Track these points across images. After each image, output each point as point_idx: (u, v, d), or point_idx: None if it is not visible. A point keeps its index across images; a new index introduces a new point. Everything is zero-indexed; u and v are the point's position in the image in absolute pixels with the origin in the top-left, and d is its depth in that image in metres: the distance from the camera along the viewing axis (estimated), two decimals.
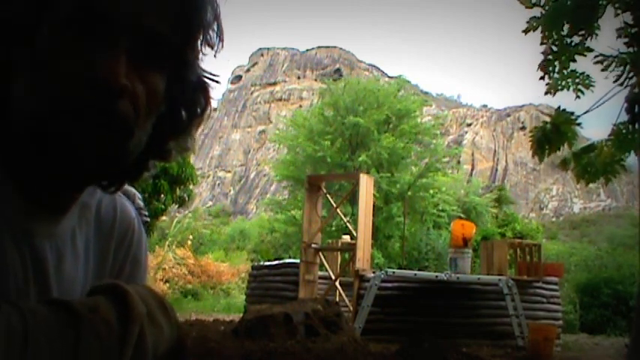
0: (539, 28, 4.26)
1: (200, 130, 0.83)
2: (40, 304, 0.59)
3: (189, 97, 0.75)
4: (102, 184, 0.73)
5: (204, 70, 0.77)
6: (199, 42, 0.73)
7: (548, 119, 4.46)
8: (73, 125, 0.62)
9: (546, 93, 4.33)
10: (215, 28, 0.74)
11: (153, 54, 0.67)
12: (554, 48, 4.21)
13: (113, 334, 0.59)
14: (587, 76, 4.24)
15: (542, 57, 4.35)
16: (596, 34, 4.18)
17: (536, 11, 4.30)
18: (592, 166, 4.42)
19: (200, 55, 0.75)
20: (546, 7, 4.22)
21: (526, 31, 4.30)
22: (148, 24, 0.66)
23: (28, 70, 0.64)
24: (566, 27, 4.22)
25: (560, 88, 4.24)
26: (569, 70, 4.25)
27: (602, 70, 4.20)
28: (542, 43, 4.28)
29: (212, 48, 0.75)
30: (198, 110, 0.77)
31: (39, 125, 0.62)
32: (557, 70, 4.27)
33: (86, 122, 0.62)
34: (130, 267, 0.84)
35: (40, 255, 0.68)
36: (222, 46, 0.76)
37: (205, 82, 0.77)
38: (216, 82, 0.78)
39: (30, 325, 0.55)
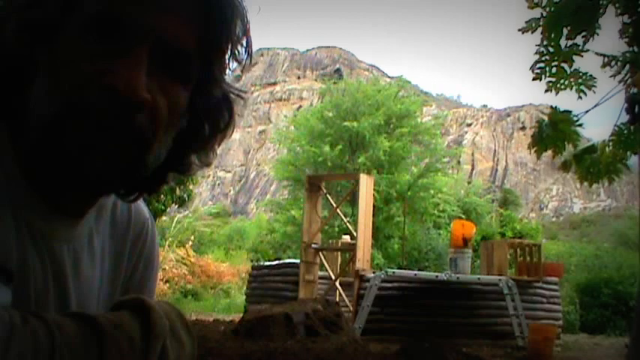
0: (538, 30, 4.25)
1: None
2: (66, 317, 0.59)
3: (213, 112, 0.73)
4: (120, 192, 0.73)
5: (231, 86, 0.75)
6: (227, 57, 0.71)
7: (547, 119, 4.46)
8: (88, 133, 0.61)
9: (547, 91, 4.31)
10: (244, 43, 0.72)
11: (176, 67, 0.65)
12: (551, 49, 4.20)
13: (136, 350, 0.60)
14: (590, 76, 4.23)
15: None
16: (597, 34, 4.17)
17: (537, 12, 4.29)
18: (595, 166, 4.41)
19: (227, 71, 0.73)
20: (547, 8, 4.21)
21: (523, 31, 4.28)
22: (172, 36, 0.64)
23: (48, 73, 0.63)
24: (565, 29, 4.21)
25: (562, 87, 4.22)
26: (570, 69, 4.24)
27: (603, 66, 4.19)
28: (538, 45, 4.27)
29: (240, 63, 0.73)
30: (222, 125, 0.75)
31: (54, 130, 0.61)
32: (552, 71, 4.25)
33: (102, 132, 0.61)
34: (143, 266, 0.84)
35: (58, 258, 0.69)
36: (251, 62, 0.74)
37: (230, 98, 0.75)
38: (242, 98, 0.76)
39: (56, 340, 0.55)
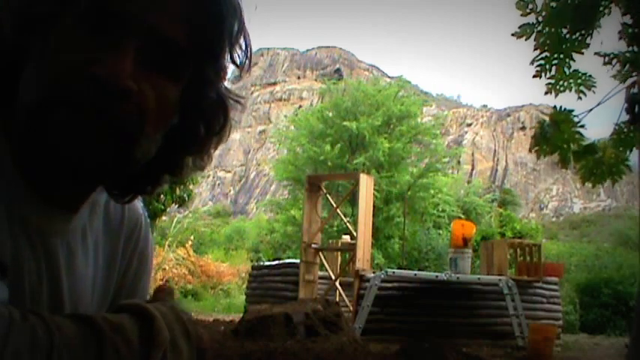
0: (533, 35, 4.24)
1: None
2: (65, 317, 0.59)
3: (207, 113, 0.73)
4: (113, 193, 0.72)
5: (229, 90, 0.74)
6: (224, 59, 0.70)
7: (547, 119, 4.45)
8: (71, 120, 0.61)
9: (547, 93, 4.32)
10: (242, 45, 0.71)
11: (167, 62, 0.65)
12: (549, 42, 4.19)
13: (134, 355, 0.59)
14: (590, 76, 4.23)
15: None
16: (598, 32, 4.17)
17: (531, 18, 4.28)
18: (598, 167, 4.40)
19: (226, 75, 0.72)
20: (543, 13, 4.20)
21: (517, 36, 4.28)
22: (161, 28, 0.64)
23: (36, 62, 0.63)
24: (565, 29, 4.21)
25: (562, 89, 4.23)
26: (570, 70, 4.24)
27: (604, 64, 4.19)
28: (536, 49, 4.27)
29: (238, 66, 0.73)
30: (217, 128, 0.74)
31: (38, 117, 0.61)
32: (553, 69, 4.25)
33: (85, 120, 0.61)
34: (137, 262, 0.84)
35: (52, 253, 0.68)
36: (250, 66, 0.73)
37: (225, 101, 0.74)
38: (240, 103, 0.76)
39: (55, 338, 0.55)
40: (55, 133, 0.61)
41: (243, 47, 0.72)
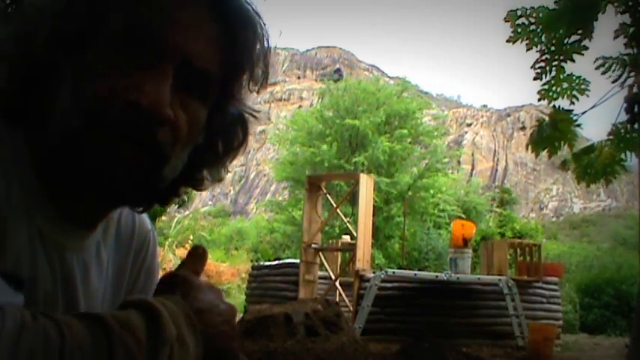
0: (527, 38, 4.23)
1: None
2: (74, 317, 0.59)
3: (229, 129, 0.75)
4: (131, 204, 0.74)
5: (246, 105, 0.77)
6: (245, 78, 0.73)
7: (547, 118, 4.45)
8: (110, 145, 0.62)
9: (540, 100, 4.31)
10: (262, 65, 0.74)
11: (198, 85, 0.67)
12: (552, 47, 4.18)
13: (143, 353, 0.60)
14: (583, 80, 4.22)
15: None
16: (593, 31, 4.16)
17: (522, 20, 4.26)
18: (592, 167, 4.40)
19: (245, 91, 0.74)
20: (533, 15, 4.19)
21: (513, 41, 4.26)
22: (196, 56, 0.66)
23: (72, 85, 0.63)
24: (563, 30, 4.20)
25: (554, 97, 4.20)
26: (564, 74, 4.22)
27: (603, 73, 4.18)
28: (528, 49, 4.25)
29: (256, 85, 0.75)
30: (236, 144, 0.77)
31: (76, 140, 0.62)
32: (553, 71, 4.24)
33: (123, 144, 0.62)
34: (145, 277, 0.85)
35: (69, 268, 0.70)
36: (267, 83, 0.76)
37: (245, 117, 0.76)
38: (255, 117, 0.78)
39: (66, 337, 0.55)
40: (92, 157, 0.62)
41: (263, 67, 0.74)
